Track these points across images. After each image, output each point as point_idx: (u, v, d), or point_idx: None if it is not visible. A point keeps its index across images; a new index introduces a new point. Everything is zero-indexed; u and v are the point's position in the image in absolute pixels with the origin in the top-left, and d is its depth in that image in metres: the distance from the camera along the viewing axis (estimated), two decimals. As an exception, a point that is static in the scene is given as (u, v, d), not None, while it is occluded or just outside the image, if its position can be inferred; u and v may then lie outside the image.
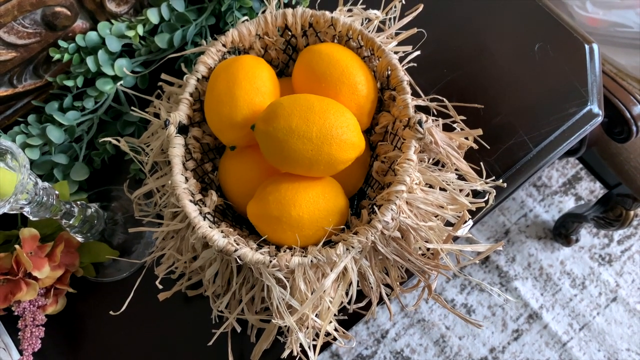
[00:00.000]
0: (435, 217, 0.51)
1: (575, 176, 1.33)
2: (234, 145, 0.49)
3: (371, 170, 0.52)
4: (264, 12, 0.54)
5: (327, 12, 0.51)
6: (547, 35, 0.63)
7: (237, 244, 0.45)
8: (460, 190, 0.51)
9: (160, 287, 0.50)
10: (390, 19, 0.58)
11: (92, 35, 0.57)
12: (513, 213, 1.31)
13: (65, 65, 0.60)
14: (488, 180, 0.52)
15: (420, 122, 0.46)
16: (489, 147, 0.57)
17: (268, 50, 0.55)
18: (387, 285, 0.53)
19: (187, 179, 0.48)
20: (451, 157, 0.51)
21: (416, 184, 0.48)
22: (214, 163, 0.55)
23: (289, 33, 0.54)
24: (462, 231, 0.53)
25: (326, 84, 0.48)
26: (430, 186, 0.51)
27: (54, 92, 0.60)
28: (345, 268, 0.47)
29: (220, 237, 0.44)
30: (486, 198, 0.51)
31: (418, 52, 0.58)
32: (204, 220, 0.46)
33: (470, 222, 0.56)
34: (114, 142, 0.52)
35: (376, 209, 0.45)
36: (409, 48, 0.57)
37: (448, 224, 0.53)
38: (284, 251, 0.45)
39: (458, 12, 0.66)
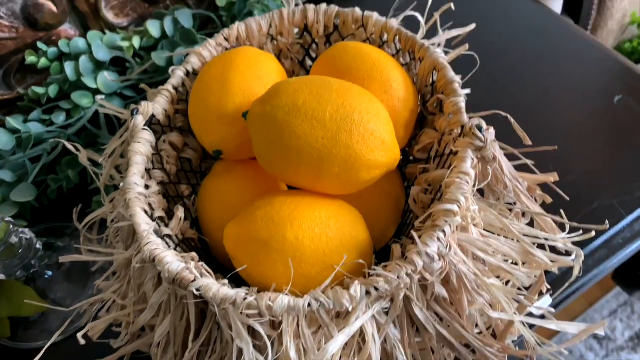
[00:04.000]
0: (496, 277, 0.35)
1: (644, 330, 1.12)
2: (219, 149, 0.36)
3: (407, 200, 0.38)
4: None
5: (357, 9, 0.41)
6: (627, 88, 0.52)
7: (200, 274, 0.29)
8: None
9: (83, 342, 0.33)
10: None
11: (78, 41, 0.48)
12: (571, 370, 1.08)
13: (43, 77, 0.51)
14: (583, 227, 0.36)
15: (480, 128, 0.33)
16: (568, 199, 0.41)
17: (281, 59, 0.44)
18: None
19: (147, 187, 0.35)
20: (520, 194, 0.36)
21: (472, 216, 0.33)
22: (195, 189, 0.41)
23: (309, 38, 0.43)
24: (543, 303, 0.36)
25: (350, 79, 0.36)
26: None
27: (22, 105, 0.50)
28: (362, 332, 0.30)
29: (174, 259, 0.29)
30: (573, 257, 0.35)
31: (468, 91, 0.47)
32: (161, 241, 0.31)
33: (549, 298, 0.39)
34: (70, 147, 0.39)
35: (415, 237, 0.29)
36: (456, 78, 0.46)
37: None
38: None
39: (513, 53, 0.56)
